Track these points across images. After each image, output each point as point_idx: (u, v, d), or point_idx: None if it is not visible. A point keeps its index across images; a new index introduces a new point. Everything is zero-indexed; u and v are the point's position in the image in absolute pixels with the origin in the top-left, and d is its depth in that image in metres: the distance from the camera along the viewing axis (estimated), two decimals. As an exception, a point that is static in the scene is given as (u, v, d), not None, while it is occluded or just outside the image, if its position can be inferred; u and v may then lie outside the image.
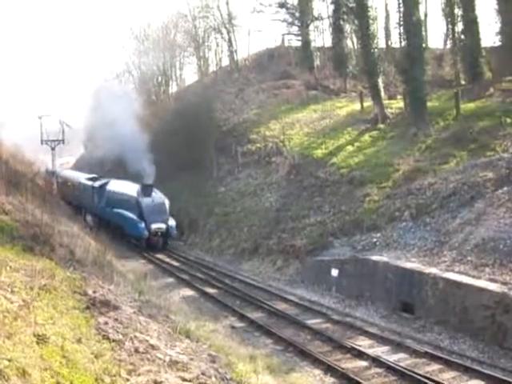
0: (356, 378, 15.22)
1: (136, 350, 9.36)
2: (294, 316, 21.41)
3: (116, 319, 10.85)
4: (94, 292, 12.34)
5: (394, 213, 26.22)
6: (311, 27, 55.59)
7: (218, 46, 68.89)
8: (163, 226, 36.53)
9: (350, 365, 16.43)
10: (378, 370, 16.06)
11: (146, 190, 37.71)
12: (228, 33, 62.97)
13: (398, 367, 15.84)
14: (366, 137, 35.92)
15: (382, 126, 36.55)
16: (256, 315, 21.80)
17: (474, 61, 36.77)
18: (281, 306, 22.96)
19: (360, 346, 17.84)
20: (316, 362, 16.73)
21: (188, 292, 25.75)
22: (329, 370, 16.03)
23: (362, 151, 33.84)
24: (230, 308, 22.95)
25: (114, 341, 9.52)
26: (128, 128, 41.98)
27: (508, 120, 28.60)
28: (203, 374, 9.27)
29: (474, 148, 27.83)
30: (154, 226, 36.21)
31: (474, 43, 36.71)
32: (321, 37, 61.79)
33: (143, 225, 36.11)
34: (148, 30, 71.04)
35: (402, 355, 17.10)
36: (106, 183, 43.98)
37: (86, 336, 9.32)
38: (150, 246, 36.60)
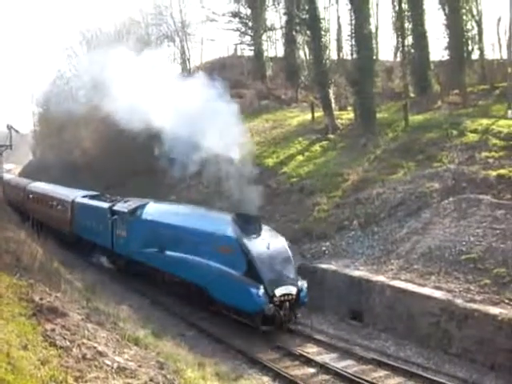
0: (304, 384, 15.45)
1: (83, 357, 9.29)
2: (243, 323, 21.37)
3: (63, 326, 10.75)
4: (41, 299, 12.22)
5: (342, 222, 26.55)
6: (264, 37, 56.01)
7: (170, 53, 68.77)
8: (293, 289, 19.92)
9: (299, 372, 16.58)
10: (326, 376, 16.27)
11: (249, 226, 21.19)
12: (181, 41, 62.95)
13: (345, 373, 16.06)
14: (317, 147, 36.28)
15: (332, 136, 36.96)
16: (205, 324, 21.69)
17: (422, 74, 37.59)
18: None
19: (308, 353, 17.99)
20: (265, 369, 16.83)
21: (137, 300, 25.46)
22: (277, 376, 16.17)
23: (312, 161, 34.17)
24: (179, 316, 22.84)
25: (61, 347, 9.43)
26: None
27: (454, 132, 29.30)
28: (151, 380, 9.28)
29: (422, 159, 28.41)
30: (279, 292, 19.53)
31: (422, 57, 37.54)
32: (273, 47, 62.45)
33: (261, 291, 19.15)
34: (100, 35, 70.50)
35: (349, 362, 17.33)
36: (139, 208, 28.31)
37: (33, 343, 9.22)
38: (267, 325, 19.63)
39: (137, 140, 42.16)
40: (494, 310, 16.98)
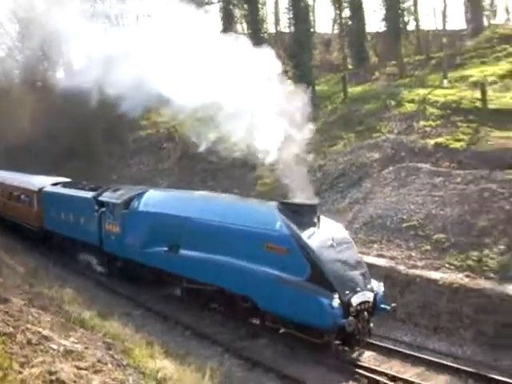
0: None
1: (28, 342, 9.12)
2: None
3: (6, 312, 10.54)
4: (-19, 285, 11.93)
5: (286, 195, 26.65)
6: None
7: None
8: (370, 295, 15.75)
9: (245, 344, 16.79)
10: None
11: (304, 218, 16.75)
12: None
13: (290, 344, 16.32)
14: (257, 121, 36.27)
15: (272, 109, 36.98)
16: (151, 303, 21.57)
17: (360, 46, 38.04)
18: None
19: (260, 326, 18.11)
20: (214, 344, 16.91)
21: (82, 282, 25.09)
22: (227, 351, 16.30)
23: (253, 135, 34.16)
24: (125, 296, 22.64)
25: (4, 334, 9.23)
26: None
27: (393, 103, 29.73)
28: (99, 361, 9.18)
29: (361, 130, 28.78)
30: (355, 300, 15.19)
31: (359, 29, 37.96)
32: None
33: (335, 301, 14.77)
34: (32, 13, 68.42)
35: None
36: (136, 197, 23.33)
37: (-26, 331, 9.00)
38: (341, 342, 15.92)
39: (75, 122, 41.42)
40: (435, 275, 17.50)
